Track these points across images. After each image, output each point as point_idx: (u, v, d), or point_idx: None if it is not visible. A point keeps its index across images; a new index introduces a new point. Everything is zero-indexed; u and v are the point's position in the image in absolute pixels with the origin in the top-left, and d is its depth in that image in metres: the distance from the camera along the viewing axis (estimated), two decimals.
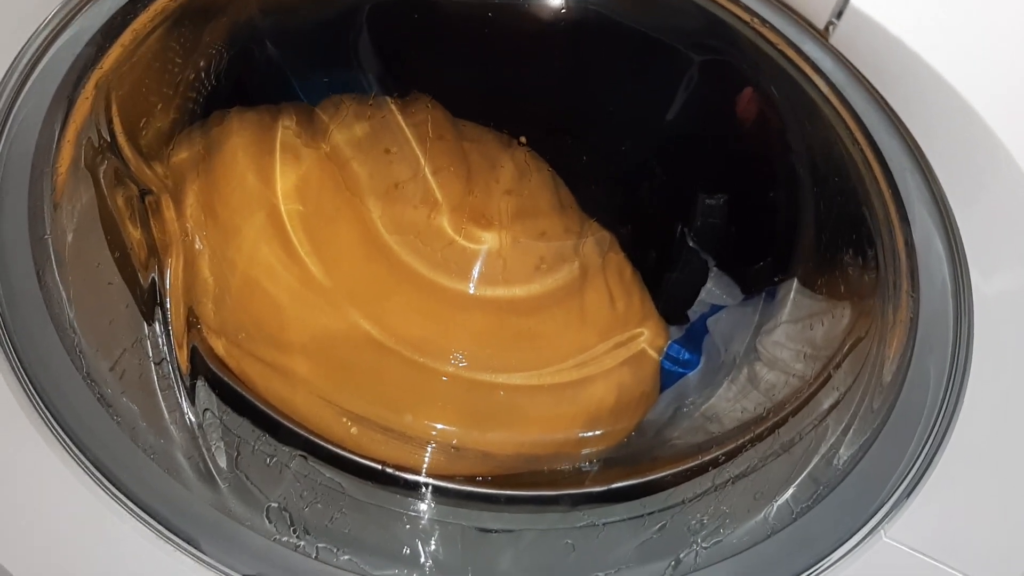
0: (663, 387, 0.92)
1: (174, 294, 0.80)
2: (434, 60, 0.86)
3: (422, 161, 0.84)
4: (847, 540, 0.63)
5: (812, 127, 0.70)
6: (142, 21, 0.62)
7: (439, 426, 0.88)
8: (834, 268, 0.77)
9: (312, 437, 0.86)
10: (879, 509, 0.61)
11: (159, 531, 0.70)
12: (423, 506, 0.85)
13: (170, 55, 0.75)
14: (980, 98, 0.43)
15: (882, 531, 0.61)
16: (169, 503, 0.72)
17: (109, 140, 0.72)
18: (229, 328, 0.84)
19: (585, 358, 0.87)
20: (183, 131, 0.83)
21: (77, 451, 0.68)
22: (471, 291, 0.86)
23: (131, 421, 0.74)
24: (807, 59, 0.50)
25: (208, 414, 0.81)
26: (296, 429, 0.86)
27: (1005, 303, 0.50)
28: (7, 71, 0.56)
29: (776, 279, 0.87)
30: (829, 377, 0.75)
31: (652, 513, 0.80)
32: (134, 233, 0.77)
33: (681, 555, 0.74)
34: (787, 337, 0.83)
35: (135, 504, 0.70)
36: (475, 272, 0.86)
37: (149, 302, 0.79)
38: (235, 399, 0.84)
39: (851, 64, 0.48)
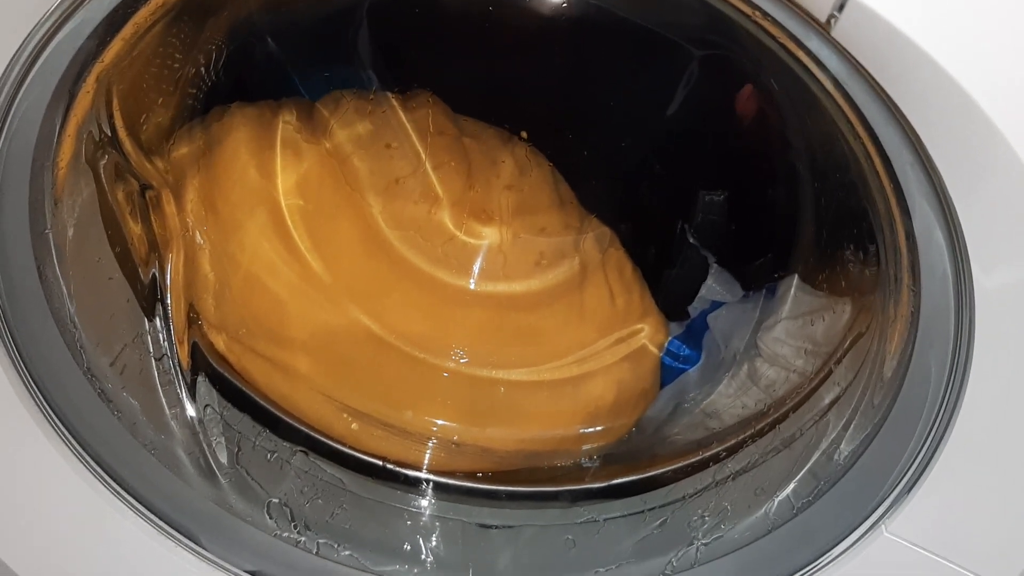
0: (663, 383, 0.92)
1: (175, 289, 0.80)
2: (435, 56, 0.86)
3: (423, 157, 0.84)
4: (848, 535, 0.63)
5: (813, 122, 0.70)
6: (143, 15, 0.62)
7: (439, 422, 0.88)
8: (835, 264, 0.77)
9: (313, 433, 0.86)
10: (880, 504, 0.61)
11: (160, 527, 0.70)
12: (424, 502, 0.85)
13: (171, 50, 0.75)
14: (981, 91, 0.43)
15: (883, 526, 0.61)
16: (170, 499, 0.72)
17: (110, 135, 0.72)
18: (230, 324, 0.84)
19: (585, 354, 0.87)
20: (184, 126, 0.83)
21: (77, 447, 0.68)
22: (471, 287, 0.86)
23: (132, 417, 0.74)
24: (808, 53, 0.50)
25: (209, 410, 0.81)
26: (297, 425, 0.86)
27: (1006, 297, 0.50)
28: (8, 65, 0.55)
29: (776, 275, 0.87)
30: (830, 373, 0.75)
31: (652, 509, 0.80)
32: (135, 228, 0.77)
33: (681, 551, 0.74)
34: (787, 333, 0.83)
35: (136, 500, 0.70)
36: (475, 268, 0.86)
37: (150, 297, 0.79)
38: (236, 395, 0.84)
39: (852, 57, 0.48)
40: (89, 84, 0.64)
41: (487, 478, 0.87)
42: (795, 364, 0.82)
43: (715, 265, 0.92)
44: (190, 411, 0.79)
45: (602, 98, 0.87)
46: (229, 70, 0.82)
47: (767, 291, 0.89)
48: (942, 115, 0.46)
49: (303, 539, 0.77)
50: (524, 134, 0.87)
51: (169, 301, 0.80)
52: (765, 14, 0.50)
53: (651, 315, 0.89)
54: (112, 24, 0.60)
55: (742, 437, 0.80)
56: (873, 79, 0.48)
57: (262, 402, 0.86)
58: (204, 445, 0.79)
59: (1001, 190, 0.46)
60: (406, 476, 0.87)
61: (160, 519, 0.70)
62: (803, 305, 0.83)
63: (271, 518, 0.77)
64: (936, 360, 0.56)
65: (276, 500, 0.78)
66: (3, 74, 0.56)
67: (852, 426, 0.67)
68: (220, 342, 0.85)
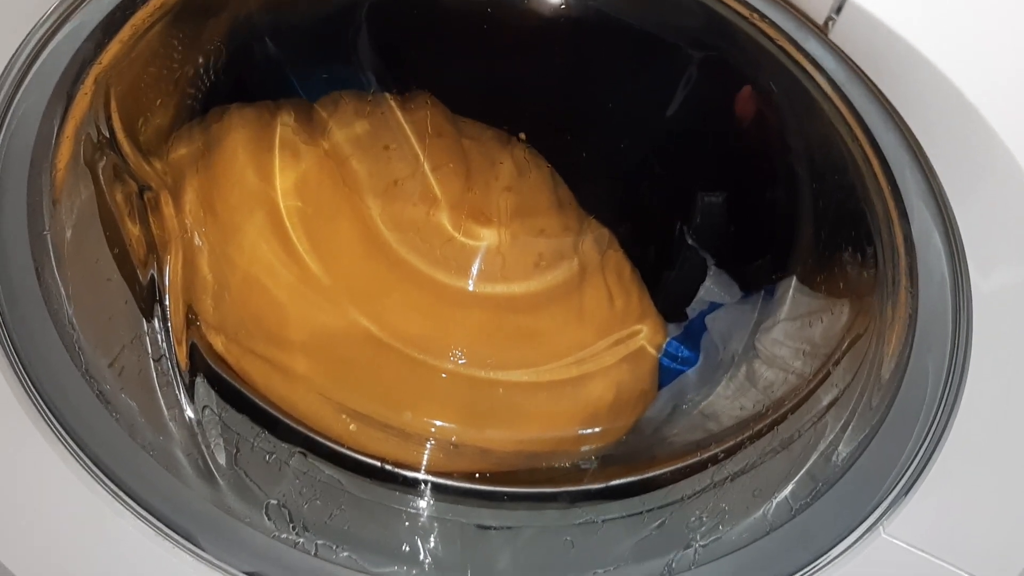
0: (662, 384, 0.92)
1: (173, 291, 0.80)
2: (433, 57, 0.86)
3: (421, 158, 0.84)
4: (846, 537, 0.63)
5: (811, 124, 0.70)
6: (141, 16, 0.62)
7: (438, 423, 0.88)
8: (833, 266, 0.77)
9: (311, 434, 0.86)
10: (878, 506, 0.61)
11: (158, 528, 0.70)
12: (422, 503, 0.85)
13: (169, 51, 0.75)
14: (979, 94, 0.43)
15: (881, 528, 0.61)
16: (168, 500, 0.72)
17: (108, 136, 0.72)
18: (228, 325, 0.84)
19: (584, 355, 0.87)
20: (182, 127, 0.83)
21: (76, 448, 0.68)
22: (470, 288, 0.86)
23: (130, 418, 0.74)
24: (806, 55, 0.50)
25: (207, 411, 0.81)
26: (295, 426, 0.86)
27: (1003, 299, 0.50)
28: (6, 66, 0.55)
29: (775, 277, 0.87)
30: (828, 374, 0.75)
31: (651, 510, 0.80)
32: (133, 230, 0.77)
33: (680, 552, 0.74)
34: (786, 335, 0.83)
35: (134, 501, 0.70)
36: (474, 269, 0.86)
37: (148, 299, 0.79)
38: (234, 396, 0.84)
39: (850, 59, 0.48)
40: (87, 86, 0.64)
41: (486, 479, 0.87)
42: (793, 365, 0.82)
43: (713, 267, 0.92)
44: (188, 412, 0.79)
45: (601, 100, 0.87)
46: (228, 71, 0.82)
47: (765, 293, 0.89)
48: (940, 118, 0.46)
49: (301, 540, 0.77)
50: (523, 135, 0.87)
51: (168, 302, 0.80)
52: (763, 16, 0.50)
53: (650, 316, 0.89)
54: (110, 26, 0.60)
55: (740, 438, 0.80)
56: (871, 81, 0.48)
57: (261, 403, 0.85)
58: (202, 446, 0.79)
59: (998, 193, 0.46)
60: (405, 477, 0.87)
61: (158, 520, 0.70)
62: (801, 307, 0.83)
63: (269, 519, 0.77)
64: (934, 362, 0.56)
65: (275, 501, 0.78)
66: (1, 76, 0.56)
67: (850, 428, 0.67)
68: (219, 343, 0.85)
